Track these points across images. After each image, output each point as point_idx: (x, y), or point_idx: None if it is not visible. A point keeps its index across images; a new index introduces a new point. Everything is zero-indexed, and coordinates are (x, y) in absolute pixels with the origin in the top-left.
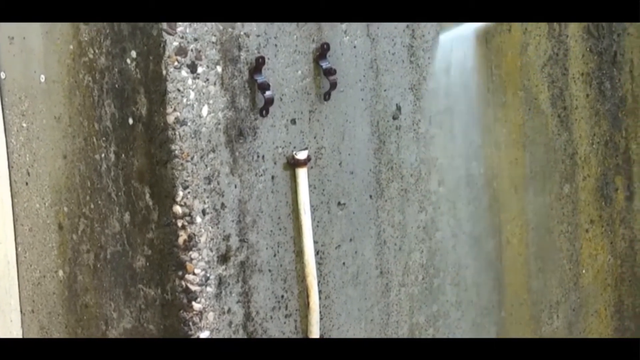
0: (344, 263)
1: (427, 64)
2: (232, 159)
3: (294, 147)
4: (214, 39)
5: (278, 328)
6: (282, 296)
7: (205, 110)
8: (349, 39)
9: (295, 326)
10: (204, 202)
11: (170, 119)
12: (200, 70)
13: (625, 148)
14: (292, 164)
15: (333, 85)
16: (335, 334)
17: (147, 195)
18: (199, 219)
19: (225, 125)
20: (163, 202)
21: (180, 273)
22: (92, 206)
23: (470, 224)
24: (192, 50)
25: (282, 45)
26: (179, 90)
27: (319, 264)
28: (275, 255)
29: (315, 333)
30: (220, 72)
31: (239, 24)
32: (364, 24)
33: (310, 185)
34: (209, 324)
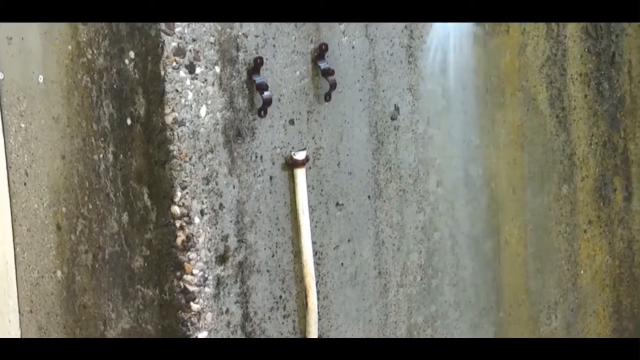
0: (342, 263)
1: (425, 65)
2: (231, 160)
3: (292, 148)
4: (212, 39)
5: (276, 328)
6: (281, 296)
7: (203, 111)
8: (347, 39)
9: (294, 326)
10: (202, 203)
11: (169, 119)
12: (198, 70)
13: (623, 148)
14: (291, 165)
15: (331, 86)
16: (333, 334)
17: (146, 196)
18: (197, 220)
19: (224, 126)
20: (161, 202)
21: (178, 273)
22: (90, 206)
23: (469, 224)
24: (190, 50)
25: (281, 45)
26: (177, 90)
27: (317, 265)
28: (273, 256)
29: (313, 333)
30: (219, 72)
31: (237, 24)
32: (363, 24)
33: (308, 186)
34: (207, 324)
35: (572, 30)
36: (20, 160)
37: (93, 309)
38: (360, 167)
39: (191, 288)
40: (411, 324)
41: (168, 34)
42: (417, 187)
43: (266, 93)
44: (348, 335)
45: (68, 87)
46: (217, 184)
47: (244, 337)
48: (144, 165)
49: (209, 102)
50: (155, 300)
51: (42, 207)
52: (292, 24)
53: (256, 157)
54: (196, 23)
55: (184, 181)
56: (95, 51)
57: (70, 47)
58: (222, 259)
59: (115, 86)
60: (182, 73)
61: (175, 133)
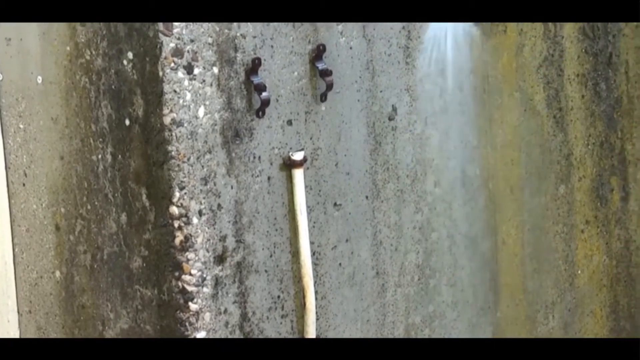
0: (340, 264)
1: (423, 65)
2: (229, 160)
3: (290, 148)
4: (210, 40)
5: (274, 328)
6: (279, 297)
7: (201, 112)
8: (345, 40)
9: (292, 326)
10: (201, 203)
11: (167, 120)
12: (196, 71)
13: (620, 149)
14: (289, 165)
15: (329, 87)
16: (331, 335)
17: (144, 196)
18: (195, 220)
19: (222, 127)
20: (160, 203)
21: (176, 274)
22: (89, 207)
23: (466, 224)
24: (188, 51)
25: (278, 46)
26: (175, 91)
27: (315, 265)
28: (271, 256)
29: (311, 333)
30: (217, 73)
31: (235, 25)
32: (360, 24)
33: (306, 186)
34: (205, 324)
35: (569, 30)
36: (19, 160)
37: (92, 309)
38: (358, 167)
39: (189, 288)
40: (409, 324)
41: (166, 35)
42: (415, 187)
43: (264, 94)
44: (346, 335)
45: (66, 88)
46: (215, 184)
47: (242, 337)
48: (143, 165)
49: (207, 102)
50: (154, 301)
51: (41, 208)
52: (290, 25)
53: (254, 157)
54: (194, 24)
55: (182, 182)
56: (93, 52)
57: (68, 48)
58: (220, 259)
59: (113, 87)
60: (180, 74)
61: (174, 134)
